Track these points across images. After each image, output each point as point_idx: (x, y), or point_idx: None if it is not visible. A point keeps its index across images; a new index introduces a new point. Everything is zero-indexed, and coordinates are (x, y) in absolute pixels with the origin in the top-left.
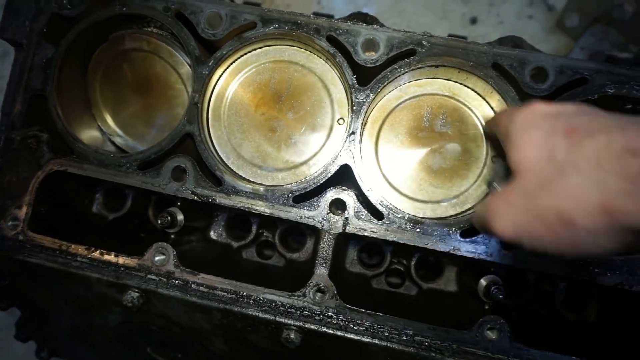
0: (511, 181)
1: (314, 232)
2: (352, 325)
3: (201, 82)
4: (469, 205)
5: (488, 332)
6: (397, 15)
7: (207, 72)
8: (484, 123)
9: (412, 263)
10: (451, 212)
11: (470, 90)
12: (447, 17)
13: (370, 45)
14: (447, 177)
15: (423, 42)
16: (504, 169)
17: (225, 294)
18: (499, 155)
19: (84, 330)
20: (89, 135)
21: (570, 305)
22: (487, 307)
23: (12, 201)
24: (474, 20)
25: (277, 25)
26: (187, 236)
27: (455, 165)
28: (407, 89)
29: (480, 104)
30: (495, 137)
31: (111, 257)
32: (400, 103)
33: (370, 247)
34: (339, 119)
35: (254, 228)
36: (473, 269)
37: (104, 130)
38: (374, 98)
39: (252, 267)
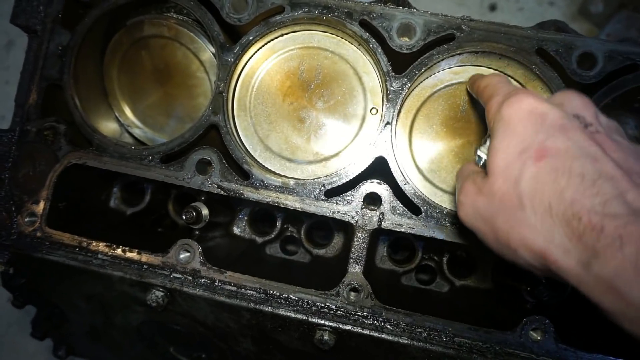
0: (485, 176)
1: (344, 227)
2: (388, 326)
3: (226, 70)
4: None
5: (532, 333)
6: (413, 2)
7: (232, 60)
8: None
9: (445, 259)
10: None
11: (510, 78)
12: (464, 4)
13: (406, 30)
14: None
15: (462, 26)
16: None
17: (255, 292)
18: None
19: (104, 330)
20: (105, 126)
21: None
22: (528, 306)
23: (29, 196)
24: (493, 7)
25: (306, 9)
26: (210, 232)
27: None
28: (442, 77)
29: None
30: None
31: (134, 255)
32: (436, 91)
33: (400, 241)
34: (372, 109)
35: (278, 223)
36: (510, 265)
37: (121, 121)
38: (410, 86)
39: (277, 263)
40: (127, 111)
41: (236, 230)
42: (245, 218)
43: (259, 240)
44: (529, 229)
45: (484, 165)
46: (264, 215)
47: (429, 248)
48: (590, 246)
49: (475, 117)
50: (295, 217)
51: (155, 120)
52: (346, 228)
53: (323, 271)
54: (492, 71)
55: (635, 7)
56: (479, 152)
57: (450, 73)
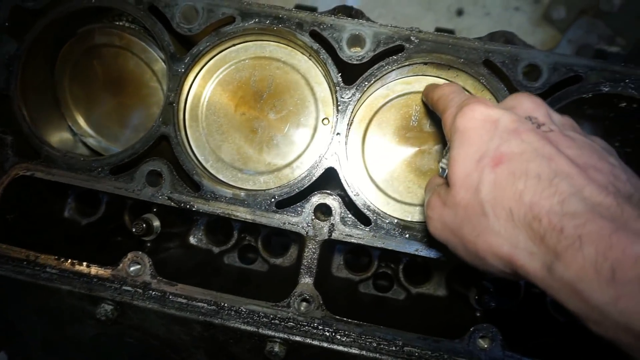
0: (448, 187)
1: (299, 237)
2: (339, 337)
3: (177, 81)
4: None
5: (480, 340)
6: (381, 6)
7: (183, 70)
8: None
9: (401, 267)
10: None
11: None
12: (432, 9)
13: (356, 41)
14: None
15: (411, 37)
16: None
17: (205, 305)
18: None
19: (57, 342)
20: (58, 136)
21: (562, 307)
22: (478, 314)
23: None
24: (460, 12)
25: (257, 20)
26: (165, 243)
27: None
28: (394, 87)
29: None
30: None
31: (83, 268)
32: (388, 102)
33: (358, 249)
34: (323, 119)
35: (235, 232)
36: (463, 273)
37: (74, 130)
38: (360, 97)
39: (235, 273)
40: (81, 121)
41: (192, 240)
42: (202, 228)
43: (216, 250)
44: (494, 235)
45: (447, 177)
46: (221, 224)
47: (385, 256)
48: (552, 248)
49: (428, 127)
50: (252, 226)
51: (110, 130)
52: (301, 238)
53: (280, 280)
54: (445, 81)
55: (595, 13)
56: (441, 164)
57: (401, 83)
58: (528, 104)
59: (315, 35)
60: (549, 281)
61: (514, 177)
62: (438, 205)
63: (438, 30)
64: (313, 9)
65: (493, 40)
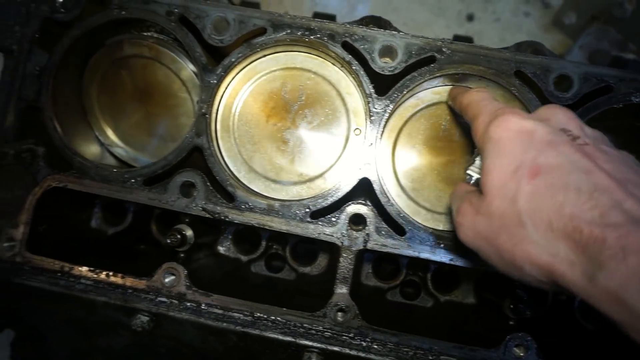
0: (481, 195)
1: (329, 246)
2: (375, 346)
3: (209, 92)
4: None
5: (515, 349)
6: (391, 12)
7: (215, 81)
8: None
9: (429, 275)
10: None
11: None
12: (443, 14)
13: (388, 52)
14: None
15: (443, 49)
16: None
17: (241, 315)
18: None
19: (86, 353)
20: (85, 146)
21: (589, 314)
22: (511, 322)
23: (7, 221)
24: (470, 17)
25: (288, 31)
26: (195, 253)
27: None
28: (424, 97)
29: None
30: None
31: (118, 279)
32: (417, 111)
33: (385, 257)
34: (355, 129)
35: (263, 241)
36: (493, 281)
37: (101, 140)
38: (393, 108)
39: (262, 282)
40: (108, 131)
41: (221, 250)
42: (230, 237)
43: (244, 259)
44: (533, 245)
45: (476, 183)
46: (249, 233)
47: (412, 264)
48: (595, 258)
49: (457, 136)
50: (280, 234)
51: (137, 140)
52: (331, 248)
53: (309, 289)
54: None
55: (606, 20)
56: (469, 171)
57: (431, 93)
58: (561, 116)
59: (347, 47)
60: (590, 290)
61: (553, 189)
62: (470, 213)
63: (456, 38)
64: (331, 17)
65: (520, 50)
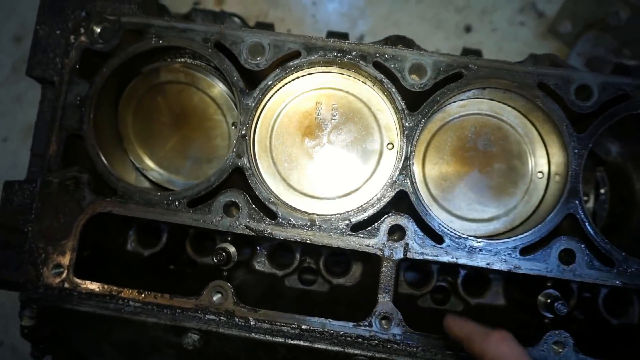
0: None
1: (363, 257)
2: (422, 351)
3: (247, 114)
4: (518, 222)
5: (554, 346)
6: (392, 26)
7: (253, 104)
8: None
9: (459, 280)
10: (502, 230)
11: (512, 109)
12: (441, 27)
13: (417, 69)
14: (494, 195)
15: (469, 65)
16: None
17: (289, 328)
18: None
19: None
20: (122, 171)
21: (614, 310)
22: (546, 320)
23: (54, 247)
24: (468, 29)
25: (322, 53)
26: (236, 271)
27: (501, 183)
28: (450, 110)
29: (522, 122)
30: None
31: (166, 300)
32: (445, 124)
33: (414, 266)
34: (388, 144)
35: (297, 255)
36: (523, 283)
37: (136, 165)
38: (424, 122)
39: (297, 295)
40: (143, 155)
41: (257, 266)
42: (265, 253)
43: (279, 273)
44: None
45: None
46: (283, 249)
47: (443, 270)
48: None
49: (483, 146)
50: (313, 248)
51: (172, 163)
52: (367, 258)
53: (345, 300)
54: (497, 103)
55: (602, 27)
56: None
57: (457, 106)
58: None
59: (378, 66)
60: None
61: None
62: None
63: (465, 51)
64: (344, 35)
65: (537, 63)
